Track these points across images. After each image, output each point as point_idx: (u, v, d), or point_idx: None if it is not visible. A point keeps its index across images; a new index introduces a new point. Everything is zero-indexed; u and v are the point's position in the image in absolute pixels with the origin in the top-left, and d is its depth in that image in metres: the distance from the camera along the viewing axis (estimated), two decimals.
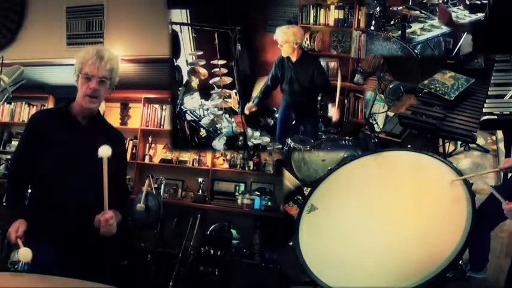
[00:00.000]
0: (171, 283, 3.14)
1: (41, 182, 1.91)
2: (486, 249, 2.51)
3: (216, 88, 3.94)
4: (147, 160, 4.72)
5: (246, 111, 3.78)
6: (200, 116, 4.25)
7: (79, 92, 1.92)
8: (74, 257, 1.80)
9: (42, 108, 4.77)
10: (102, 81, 1.89)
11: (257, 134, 4.01)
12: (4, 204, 1.98)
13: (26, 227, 1.77)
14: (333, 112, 3.59)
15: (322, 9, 4.05)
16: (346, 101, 4.08)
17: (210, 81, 3.92)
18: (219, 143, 3.95)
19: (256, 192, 4.17)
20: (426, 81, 3.05)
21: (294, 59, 3.54)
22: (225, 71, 3.78)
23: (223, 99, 3.85)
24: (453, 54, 3.85)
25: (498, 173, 3.35)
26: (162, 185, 4.15)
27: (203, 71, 4.00)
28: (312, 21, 4.09)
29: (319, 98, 3.87)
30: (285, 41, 3.47)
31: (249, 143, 3.89)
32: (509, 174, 3.01)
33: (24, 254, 1.60)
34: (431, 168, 2.15)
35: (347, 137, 3.52)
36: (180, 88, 4.03)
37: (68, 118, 1.95)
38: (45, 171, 1.89)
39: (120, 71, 1.99)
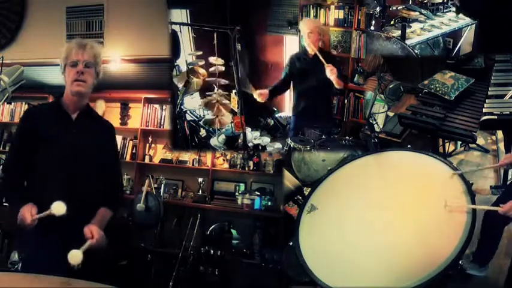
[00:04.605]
0: (171, 283, 3.14)
1: (34, 177, 1.94)
2: (495, 244, 2.52)
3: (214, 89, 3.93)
4: (147, 160, 4.72)
5: (257, 97, 3.58)
6: (200, 116, 4.25)
7: (67, 80, 2.00)
8: (67, 250, 1.79)
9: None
10: (87, 66, 1.98)
11: (257, 134, 4.00)
12: (4, 200, 1.99)
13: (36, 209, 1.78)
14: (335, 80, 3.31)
15: (322, 9, 4.05)
16: (346, 101, 4.08)
17: (206, 79, 3.88)
18: (217, 141, 3.93)
19: (256, 192, 4.17)
20: (426, 81, 3.06)
21: (311, 53, 3.40)
22: (222, 68, 3.72)
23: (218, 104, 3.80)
24: (453, 54, 3.85)
25: (498, 172, 3.35)
26: (162, 185, 4.16)
27: (202, 71, 4.00)
28: None
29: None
30: (312, 29, 3.35)
31: (249, 143, 3.88)
32: (509, 177, 3.02)
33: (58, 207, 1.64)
34: (431, 168, 2.15)
35: (347, 137, 3.51)
36: (180, 88, 4.03)
37: (58, 112, 2.01)
38: (38, 166, 1.93)
39: (101, 58, 2.06)
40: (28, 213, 1.76)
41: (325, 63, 3.19)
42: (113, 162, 2.18)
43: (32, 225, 1.75)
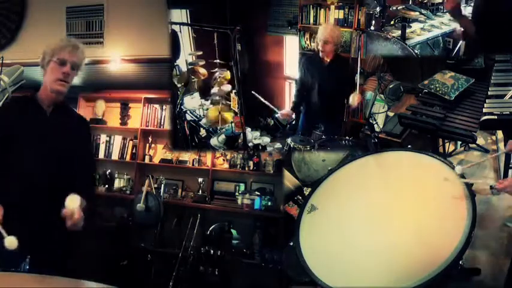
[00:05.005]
0: (171, 283, 3.14)
1: (7, 171, 1.93)
2: None
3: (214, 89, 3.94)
4: (147, 160, 4.72)
5: (282, 118, 3.74)
6: (200, 116, 4.25)
7: (49, 76, 2.01)
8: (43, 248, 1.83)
9: None
10: (73, 68, 2.01)
11: (257, 134, 4.00)
12: None
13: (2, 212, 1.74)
14: (353, 98, 3.34)
15: (322, 9, 4.05)
16: (346, 101, 4.07)
17: (213, 78, 3.90)
18: (216, 141, 3.93)
19: (256, 192, 4.17)
20: (426, 81, 3.05)
21: (327, 60, 3.48)
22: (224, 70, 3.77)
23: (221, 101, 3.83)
24: (453, 54, 3.85)
25: (498, 172, 3.35)
26: (162, 185, 4.16)
27: (203, 71, 4.00)
28: (312, 21, 4.08)
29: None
30: (329, 39, 3.38)
31: (249, 143, 3.88)
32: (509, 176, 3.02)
33: (10, 241, 1.56)
34: (431, 168, 2.15)
35: (347, 137, 3.51)
36: (180, 88, 4.03)
37: (33, 107, 2.02)
38: (11, 161, 1.92)
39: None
40: None
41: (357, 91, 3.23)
42: (86, 156, 2.18)
43: None
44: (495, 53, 3.26)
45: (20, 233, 1.74)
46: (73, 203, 1.78)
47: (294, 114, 3.79)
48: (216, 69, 3.82)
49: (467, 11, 3.52)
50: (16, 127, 1.95)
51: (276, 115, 3.79)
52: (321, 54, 3.48)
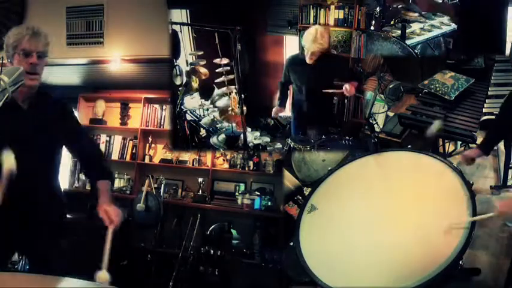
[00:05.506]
0: (171, 283, 3.14)
1: None
2: None
3: (217, 89, 3.94)
4: (147, 160, 4.72)
5: (275, 115, 3.76)
6: (200, 116, 4.25)
7: None
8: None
9: None
10: (40, 57, 1.87)
11: (257, 134, 4.00)
12: None
13: None
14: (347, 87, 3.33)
15: (322, 9, 4.04)
16: (346, 100, 4.07)
17: (216, 80, 3.91)
18: (217, 140, 3.93)
19: (256, 192, 4.17)
20: (426, 81, 3.05)
21: (310, 61, 3.35)
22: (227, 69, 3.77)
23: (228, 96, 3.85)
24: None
25: (498, 172, 3.35)
26: (162, 185, 4.16)
27: (204, 71, 4.00)
28: (312, 21, 4.07)
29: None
30: (315, 50, 3.26)
31: (249, 143, 3.88)
32: (509, 176, 3.02)
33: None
34: (431, 168, 2.15)
35: (347, 137, 3.51)
36: (180, 88, 4.02)
37: (8, 104, 1.84)
38: None
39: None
40: None
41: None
42: (80, 137, 2.10)
43: None
44: (477, 52, 3.28)
45: (11, 232, 1.77)
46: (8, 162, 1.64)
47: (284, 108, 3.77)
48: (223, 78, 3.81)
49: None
50: None
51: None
52: (307, 59, 3.36)
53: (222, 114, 3.96)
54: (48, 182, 1.96)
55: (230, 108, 3.84)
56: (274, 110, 3.79)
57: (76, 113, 4.05)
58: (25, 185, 1.78)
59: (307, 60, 3.34)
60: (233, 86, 3.80)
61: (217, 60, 3.74)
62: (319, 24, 4.03)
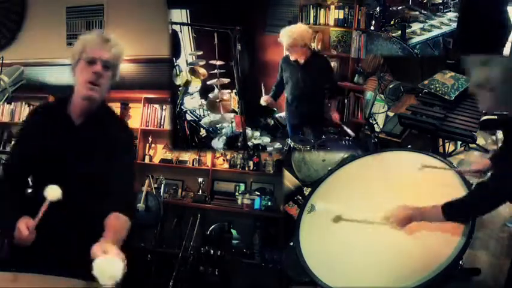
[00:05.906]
0: (171, 283, 3.14)
1: (33, 185, 1.72)
2: None
3: (214, 89, 3.94)
4: (147, 160, 4.71)
5: (263, 103, 3.72)
6: (200, 116, 4.25)
7: (78, 80, 1.68)
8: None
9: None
10: (106, 66, 1.68)
11: (257, 134, 4.01)
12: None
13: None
14: (333, 113, 3.53)
15: (322, 9, 4.05)
16: (346, 101, 4.08)
17: (208, 82, 3.92)
18: (218, 142, 3.95)
19: (256, 192, 4.18)
20: (426, 81, 3.06)
21: (301, 61, 3.41)
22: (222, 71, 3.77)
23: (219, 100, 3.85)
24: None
25: None
26: (162, 185, 4.16)
27: (203, 71, 4.00)
28: (312, 21, 4.08)
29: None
30: (291, 44, 3.29)
31: (249, 143, 3.89)
32: None
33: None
34: (431, 168, 2.15)
35: (347, 137, 3.51)
36: (180, 88, 4.03)
37: (61, 116, 1.70)
38: (35, 175, 1.71)
39: (122, 59, 1.78)
40: (24, 225, 1.50)
41: None
42: (122, 170, 1.73)
43: (29, 240, 1.51)
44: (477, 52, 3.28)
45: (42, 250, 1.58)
46: (53, 194, 1.53)
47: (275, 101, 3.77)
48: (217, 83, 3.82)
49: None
50: (41, 139, 1.67)
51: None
52: (291, 57, 3.42)
53: (210, 106, 3.95)
54: (86, 199, 1.67)
55: (218, 100, 3.83)
56: (264, 97, 3.74)
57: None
58: (60, 211, 1.57)
59: (291, 57, 3.41)
60: (224, 79, 3.80)
61: (213, 62, 3.75)
62: (320, 24, 4.04)
